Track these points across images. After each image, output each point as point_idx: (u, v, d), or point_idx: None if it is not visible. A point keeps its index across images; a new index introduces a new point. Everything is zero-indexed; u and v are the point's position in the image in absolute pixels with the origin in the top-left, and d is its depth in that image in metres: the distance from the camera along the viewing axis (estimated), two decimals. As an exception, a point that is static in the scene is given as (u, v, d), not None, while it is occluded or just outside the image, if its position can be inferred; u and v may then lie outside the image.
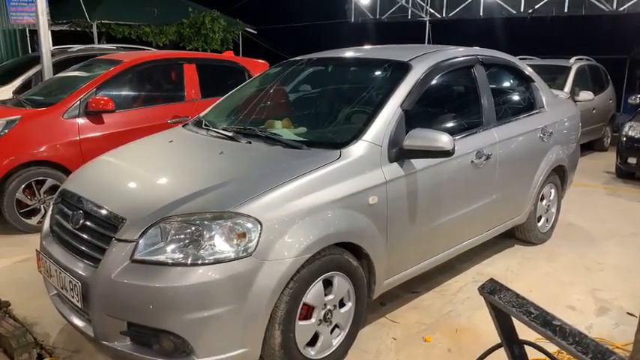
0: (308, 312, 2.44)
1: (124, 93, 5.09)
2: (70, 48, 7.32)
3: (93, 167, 3.04)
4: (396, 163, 2.77)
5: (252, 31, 15.89)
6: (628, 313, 3.21)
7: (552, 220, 4.49)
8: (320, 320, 2.49)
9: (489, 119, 3.53)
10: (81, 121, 4.62)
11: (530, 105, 4.13)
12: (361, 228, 2.59)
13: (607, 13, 11.74)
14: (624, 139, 6.67)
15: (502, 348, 1.62)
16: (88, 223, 2.48)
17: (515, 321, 1.50)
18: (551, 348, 1.58)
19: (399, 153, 2.77)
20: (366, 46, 4.33)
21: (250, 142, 2.90)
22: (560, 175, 4.42)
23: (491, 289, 1.47)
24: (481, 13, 13.62)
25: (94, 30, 12.51)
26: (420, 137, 2.72)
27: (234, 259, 2.15)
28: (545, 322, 1.27)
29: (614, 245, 4.42)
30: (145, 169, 2.88)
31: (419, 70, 3.09)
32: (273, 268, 2.21)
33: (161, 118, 5.02)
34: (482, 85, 3.56)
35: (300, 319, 2.39)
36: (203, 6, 14.16)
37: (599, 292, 3.54)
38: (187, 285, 2.10)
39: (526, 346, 1.63)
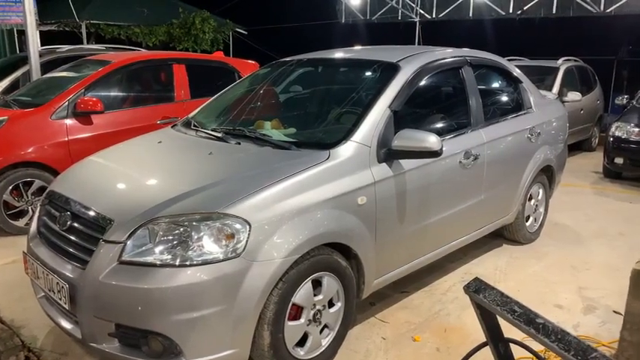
0: (297, 312, 2.45)
1: (112, 94, 5.06)
2: (58, 48, 7.26)
3: (81, 168, 3.02)
4: (384, 163, 2.79)
5: (243, 31, 15.87)
6: (614, 312, 3.25)
7: (540, 219, 4.53)
8: (309, 320, 2.50)
9: (477, 120, 3.56)
10: (69, 122, 4.59)
11: (518, 106, 4.16)
12: (350, 228, 2.60)
13: (595, 14, 11.86)
14: (611, 139, 6.73)
15: (488, 347, 1.63)
16: (75, 224, 2.46)
17: (500, 320, 1.52)
18: (536, 346, 1.60)
19: (387, 153, 2.78)
20: (356, 47, 4.35)
21: (239, 143, 2.90)
22: (548, 175, 4.46)
23: (476, 288, 1.48)
24: (470, 14, 13.71)
25: (83, 30, 12.43)
26: (408, 138, 2.73)
27: (223, 260, 2.15)
28: (528, 320, 1.29)
29: (601, 245, 4.47)
30: (133, 170, 2.87)
31: (407, 71, 3.11)
32: (262, 269, 2.21)
33: (150, 119, 5.00)
34: (471, 86, 3.59)
35: (289, 319, 2.39)
36: (193, 6, 14.12)
37: (586, 290, 3.58)
38: (176, 286, 2.10)
39: (512, 345, 1.65)
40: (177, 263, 2.13)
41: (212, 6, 14.72)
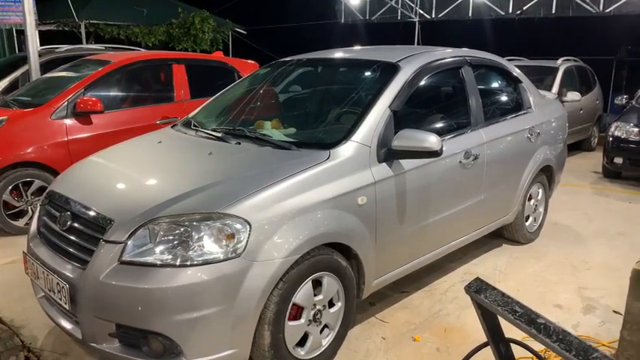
0: (297, 312, 2.45)
1: (112, 93, 5.06)
2: (57, 48, 7.25)
3: (81, 168, 3.02)
4: (384, 163, 2.79)
5: (242, 31, 15.86)
6: (614, 311, 3.25)
7: (540, 219, 4.53)
8: (309, 320, 2.50)
9: (477, 120, 3.56)
10: (69, 121, 4.59)
11: (517, 105, 4.17)
12: (350, 228, 2.60)
13: (594, 14, 11.87)
14: (611, 139, 6.74)
15: (489, 347, 1.63)
16: (75, 224, 2.46)
17: (501, 320, 1.52)
18: (537, 346, 1.60)
19: (387, 153, 2.78)
20: (356, 47, 4.34)
21: (239, 143, 2.90)
22: (547, 175, 4.46)
23: (478, 288, 1.48)
24: (470, 14, 13.71)
25: (83, 30, 12.41)
26: (408, 138, 2.73)
27: (223, 260, 2.15)
28: (529, 320, 1.29)
29: (600, 244, 4.47)
30: (133, 170, 2.87)
31: (407, 71, 3.11)
32: (263, 269, 2.21)
33: (150, 119, 5.00)
34: (470, 85, 3.59)
35: (289, 319, 2.39)
36: (192, 6, 14.10)
37: (585, 290, 3.58)
38: (176, 286, 2.10)
39: (513, 345, 1.65)
40: (177, 263, 2.13)
41: (211, 6, 14.71)
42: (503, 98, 4.24)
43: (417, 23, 14.65)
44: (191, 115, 3.63)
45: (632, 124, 6.68)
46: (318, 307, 2.53)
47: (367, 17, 15.57)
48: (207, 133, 3.13)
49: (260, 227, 2.24)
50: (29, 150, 4.39)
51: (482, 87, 3.92)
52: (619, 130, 6.72)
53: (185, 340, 2.14)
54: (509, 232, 4.30)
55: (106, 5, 12.93)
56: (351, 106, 3.12)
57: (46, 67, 6.28)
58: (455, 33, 13.87)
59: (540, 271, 3.90)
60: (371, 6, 15.32)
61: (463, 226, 3.57)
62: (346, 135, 2.74)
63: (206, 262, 2.14)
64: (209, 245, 2.17)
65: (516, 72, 4.24)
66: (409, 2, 14.51)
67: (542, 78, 7.86)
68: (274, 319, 2.30)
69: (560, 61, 8.34)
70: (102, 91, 4.88)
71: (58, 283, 2.35)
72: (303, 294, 2.42)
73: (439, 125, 3.41)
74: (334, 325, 2.66)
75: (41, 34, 10.48)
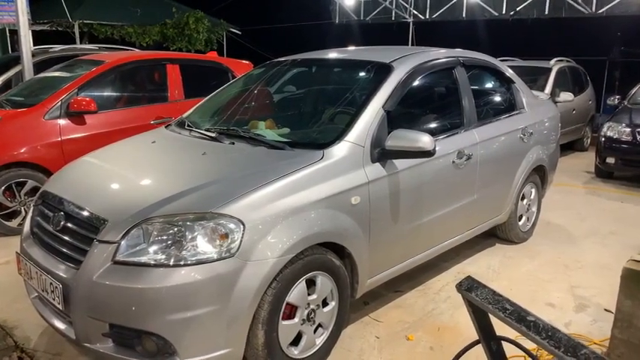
0: (291, 311, 2.45)
1: (106, 94, 5.04)
2: (51, 48, 7.22)
3: (74, 168, 3.02)
4: (378, 163, 2.80)
5: (237, 31, 15.85)
6: (605, 310, 3.28)
7: (533, 219, 4.56)
8: (303, 320, 2.51)
9: (470, 120, 3.58)
10: (62, 122, 4.57)
11: (510, 106, 4.19)
12: (344, 228, 2.61)
13: (587, 15, 11.93)
14: (603, 139, 6.79)
15: (480, 345, 1.64)
16: (69, 224, 2.46)
17: (493, 318, 1.53)
18: (528, 344, 1.61)
19: (381, 153, 2.79)
20: (350, 48, 4.36)
21: (233, 143, 2.91)
22: (540, 175, 4.49)
23: (469, 287, 1.49)
24: (464, 15, 13.75)
25: (76, 30, 12.38)
26: (401, 138, 2.75)
27: (217, 260, 2.16)
28: (519, 318, 1.30)
29: (593, 244, 4.50)
30: (127, 170, 2.87)
31: (401, 72, 3.12)
32: (256, 269, 2.22)
33: (144, 119, 4.99)
34: (464, 86, 3.61)
35: (283, 318, 2.40)
36: (187, 6, 14.08)
37: (577, 289, 3.61)
38: (170, 286, 2.10)
39: (504, 343, 1.66)
40: (171, 263, 2.14)
41: (206, 6, 14.69)
42: (496, 98, 4.27)
43: (411, 24, 14.68)
44: (185, 115, 3.63)
45: (624, 125, 6.72)
46: (312, 306, 2.54)
47: (361, 18, 15.57)
48: (201, 133, 3.13)
49: (254, 227, 2.24)
50: (22, 150, 4.37)
51: (476, 87, 3.95)
52: (611, 130, 6.77)
53: (179, 340, 2.14)
54: (502, 232, 4.33)
55: (100, 5, 12.89)
56: (344, 107, 3.13)
57: (39, 67, 6.25)
58: (449, 33, 13.90)
59: (533, 270, 3.93)
60: (365, 6, 15.33)
61: (456, 226, 3.59)
62: (340, 135, 2.75)
63: (200, 262, 2.14)
64: (203, 245, 2.17)
65: (509, 72, 4.27)
66: (403, 3, 14.54)
67: (535, 78, 7.90)
68: (268, 319, 2.31)
69: (553, 61, 8.39)
70: (95, 91, 4.87)
71: (51, 283, 2.35)
72: (296, 293, 2.43)
73: (432, 125, 3.43)
74: (328, 325, 2.67)
75: (34, 34, 10.42)
